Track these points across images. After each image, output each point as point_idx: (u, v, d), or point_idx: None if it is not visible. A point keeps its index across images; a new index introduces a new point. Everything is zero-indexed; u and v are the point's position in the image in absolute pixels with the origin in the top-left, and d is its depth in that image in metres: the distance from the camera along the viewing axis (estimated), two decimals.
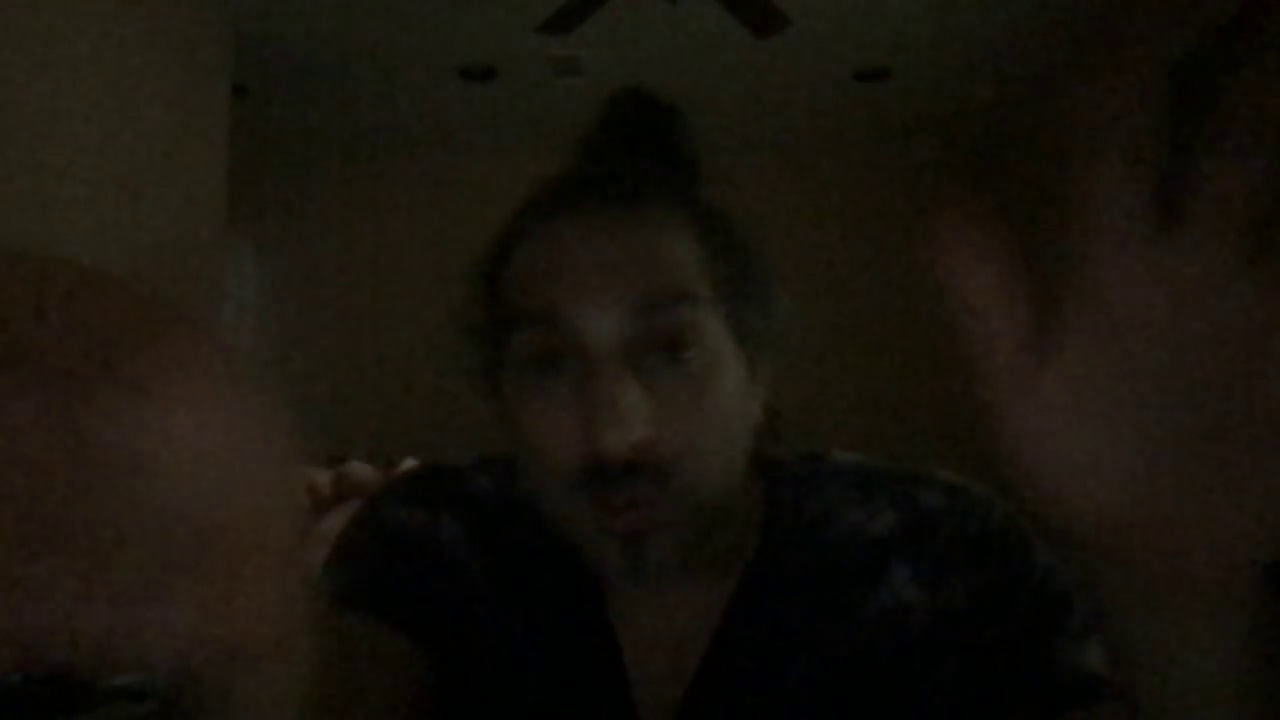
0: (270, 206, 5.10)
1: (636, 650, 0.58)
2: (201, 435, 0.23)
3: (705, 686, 0.56)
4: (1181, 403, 0.26)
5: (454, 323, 0.59)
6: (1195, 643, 0.28)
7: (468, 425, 3.55)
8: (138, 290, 0.25)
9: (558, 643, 0.59)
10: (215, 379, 0.24)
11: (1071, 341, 0.27)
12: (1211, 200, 0.25)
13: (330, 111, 4.74)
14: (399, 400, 4.94)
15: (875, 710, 0.55)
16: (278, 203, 5.13)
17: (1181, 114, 0.27)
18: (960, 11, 3.66)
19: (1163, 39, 0.27)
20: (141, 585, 0.22)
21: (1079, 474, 0.27)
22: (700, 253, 0.54)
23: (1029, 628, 0.55)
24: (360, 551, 0.63)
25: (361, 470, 2.02)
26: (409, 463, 2.12)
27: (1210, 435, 0.26)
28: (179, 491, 0.22)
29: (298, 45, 4.00)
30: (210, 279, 3.39)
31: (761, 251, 0.59)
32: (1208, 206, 0.25)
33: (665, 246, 0.53)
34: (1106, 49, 0.27)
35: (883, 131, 4.97)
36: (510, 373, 0.54)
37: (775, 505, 0.60)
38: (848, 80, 4.32)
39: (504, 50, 4.03)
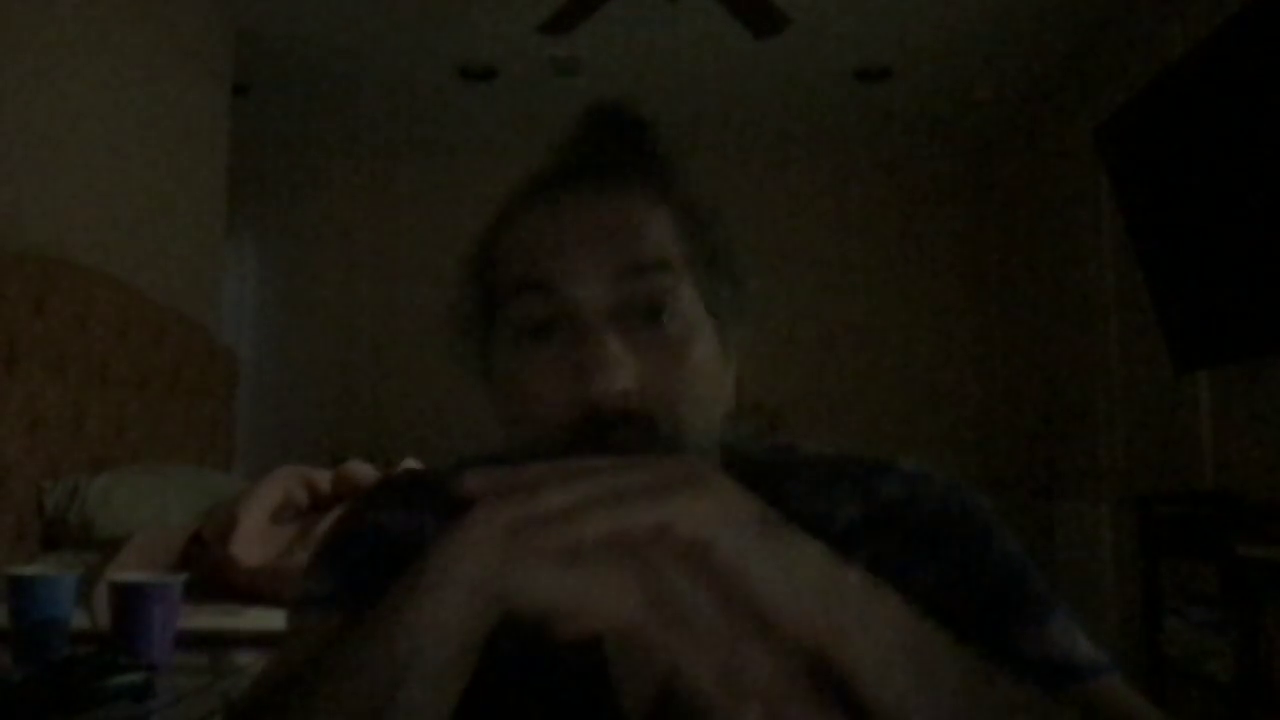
0: (270, 206, 5.10)
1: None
2: None
3: None
4: None
5: (448, 310, 0.64)
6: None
7: (467, 425, 3.55)
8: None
9: (543, 636, 0.60)
10: None
11: None
12: None
13: (330, 111, 4.74)
14: (399, 400, 4.94)
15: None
16: (278, 203, 5.13)
17: None
18: (960, 11, 3.66)
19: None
20: None
21: None
22: (674, 229, 0.59)
23: (988, 615, 0.57)
24: (343, 555, 0.66)
25: (361, 470, 2.02)
26: (409, 463, 2.12)
27: None
28: None
29: (298, 45, 4.00)
30: (210, 279, 3.40)
31: (729, 234, 0.64)
32: None
33: (643, 220, 0.58)
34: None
35: (883, 131, 4.97)
36: (503, 343, 0.58)
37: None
38: (848, 80, 4.32)
39: (504, 50, 4.03)
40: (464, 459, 0.71)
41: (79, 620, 1.35)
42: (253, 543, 1.71)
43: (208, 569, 1.70)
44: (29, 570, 1.32)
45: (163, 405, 2.74)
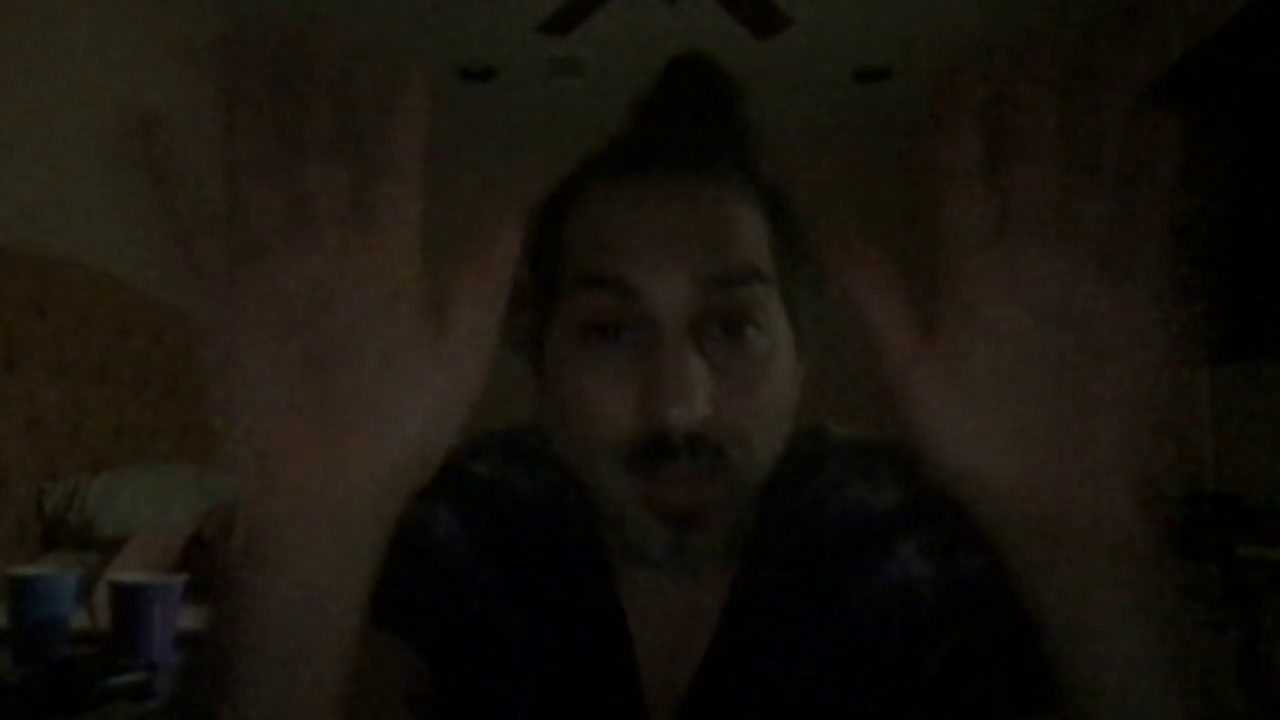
0: None
1: (645, 632, 0.57)
2: None
3: (715, 667, 0.55)
4: (1047, 381, 0.32)
5: None
6: (1101, 606, 0.32)
7: (467, 424, 3.55)
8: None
9: (565, 630, 0.58)
10: None
11: (948, 333, 0.34)
12: (1024, 210, 0.32)
13: None
14: None
15: (883, 688, 0.54)
16: None
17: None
18: (960, 11, 3.66)
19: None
20: None
21: (965, 441, 0.33)
22: (765, 228, 0.53)
23: None
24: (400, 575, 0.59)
25: None
26: None
27: (1070, 406, 0.32)
28: None
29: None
30: None
31: (815, 230, 0.58)
32: (1022, 215, 0.32)
33: (735, 220, 0.51)
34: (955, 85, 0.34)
35: (883, 131, 4.97)
36: (562, 334, 0.52)
37: (776, 483, 0.59)
38: (848, 80, 4.32)
39: (504, 50, 4.03)
40: (478, 436, 0.66)
41: (79, 620, 1.35)
42: None
43: (208, 569, 1.70)
44: (29, 570, 1.32)
45: (163, 405, 2.74)
